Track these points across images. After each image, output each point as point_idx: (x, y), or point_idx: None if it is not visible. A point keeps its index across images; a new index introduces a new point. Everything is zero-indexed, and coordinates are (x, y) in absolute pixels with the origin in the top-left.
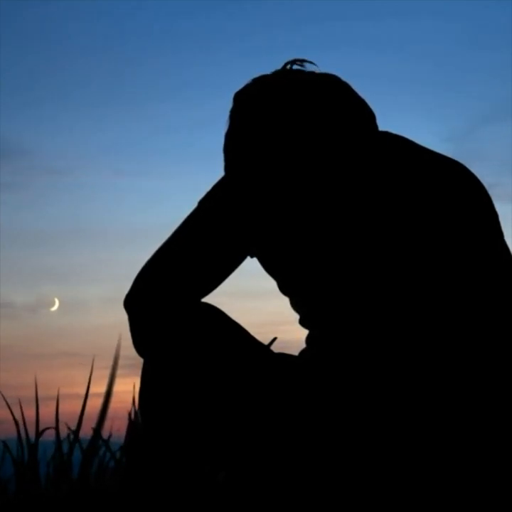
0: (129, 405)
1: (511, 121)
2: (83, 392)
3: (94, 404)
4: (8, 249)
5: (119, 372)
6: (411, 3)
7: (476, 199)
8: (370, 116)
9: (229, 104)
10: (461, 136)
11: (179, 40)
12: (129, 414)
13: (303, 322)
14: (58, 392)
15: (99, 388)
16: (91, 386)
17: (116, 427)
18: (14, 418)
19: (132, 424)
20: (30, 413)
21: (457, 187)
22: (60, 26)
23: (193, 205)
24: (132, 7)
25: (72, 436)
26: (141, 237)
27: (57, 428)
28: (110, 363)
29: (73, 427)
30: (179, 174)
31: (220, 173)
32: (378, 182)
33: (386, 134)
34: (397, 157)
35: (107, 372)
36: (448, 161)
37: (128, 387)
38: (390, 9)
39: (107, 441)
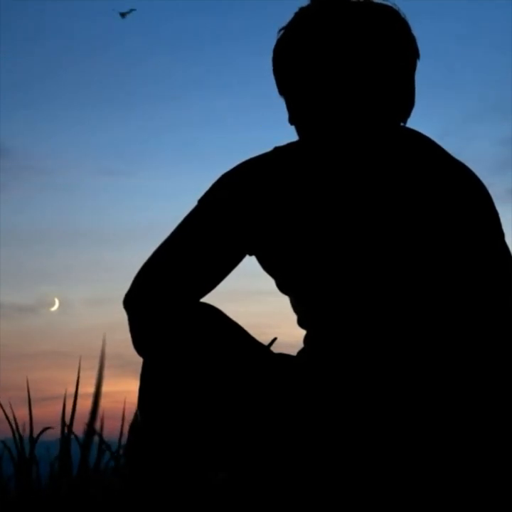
0: (129, 405)
1: (500, 120)
2: (85, 391)
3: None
4: (8, 249)
5: (115, 371)
6: (412, 2)
7: (478, 201)
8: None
9: (229, 105)
10: (451, 134)
11: (179, 40)
12: (134, 415)
13: (301, 322)
14: (66, 391)
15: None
16: (92, 386)
17: (117, 426)
18: (14, 418)
19: (132, 424)
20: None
21: (461, 189)
22: (60, 26)
23: (192, 204)
24: (132, 7)
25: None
26: (141, 237)
27: (62, 428)
28: (110, 362)
29: (72, 427)
30: (179, 173)
31: (218, 172)
32: (387, 176)
33: (411, 129)
34: (411, 152)
35: (107, 372)
36: (456, 162)
37: (128, 387)
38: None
39: (106, 442)
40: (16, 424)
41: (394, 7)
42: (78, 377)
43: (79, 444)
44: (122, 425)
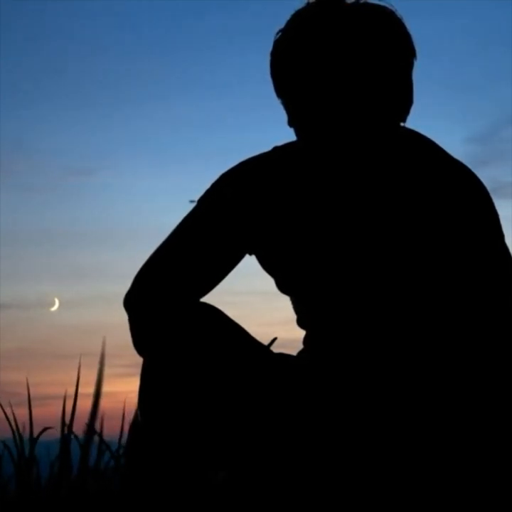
0: (129, 405)
1: (470, 118)
2: (86, 391)
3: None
4: (8, 249)
5: (116, 371)
6: (417, 3)
7: (479, 202)
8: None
9: (228, 105)
10: (484, 137)
11: (179, 40)
12: (135, 415)
13: (301, 322)
14: (66, 392)
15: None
16: (92, 386)
17: (117, 426)
18: (14, 418)
19: (133, 424)
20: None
21: (461, 190)
22: (60, 26)
23: (192, 204)
24: (132, 7)
25: (72, 436)
26: (141, 237)
27: (62, 428)
28: (110, 362)
29: (73, 427)
30: (178, 173)
31: (217, 172)
32: (386, 176)
33: (411, 130)
34: (411, 152)
35: (107, 372)
36: (456, 163)
37: (128, 387)
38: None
39: (105, 442)
40: (16, 424)
41: (390, 7)
42: (78, 377)
43: (79, 444)
44: (122, 425)
